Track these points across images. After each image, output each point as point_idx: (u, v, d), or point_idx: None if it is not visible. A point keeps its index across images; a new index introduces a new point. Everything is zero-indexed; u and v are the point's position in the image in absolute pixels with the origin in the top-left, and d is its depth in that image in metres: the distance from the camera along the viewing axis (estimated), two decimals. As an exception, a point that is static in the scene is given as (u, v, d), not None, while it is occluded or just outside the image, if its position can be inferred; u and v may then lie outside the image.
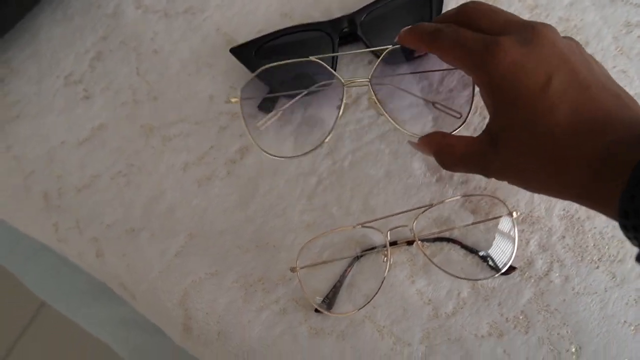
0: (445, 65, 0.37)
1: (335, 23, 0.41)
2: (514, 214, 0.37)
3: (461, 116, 0.39)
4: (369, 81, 0.37)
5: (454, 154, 0.33)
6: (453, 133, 0.39)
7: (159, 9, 0.48)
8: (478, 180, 0.39)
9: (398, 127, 0.37)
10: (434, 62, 0.40)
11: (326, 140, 0.38)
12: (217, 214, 0.41)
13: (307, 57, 0.38)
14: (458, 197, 0.38)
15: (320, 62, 0.38)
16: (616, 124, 0.27)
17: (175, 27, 0.47)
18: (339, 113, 0.38)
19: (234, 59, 0.43)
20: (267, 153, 0.38)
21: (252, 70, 0.40)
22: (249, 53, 0.42)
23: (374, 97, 0.37)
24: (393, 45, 0.38)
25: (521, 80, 0.29)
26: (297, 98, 0.41)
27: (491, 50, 0.30)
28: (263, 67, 0.38)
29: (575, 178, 0.27)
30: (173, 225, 0.42)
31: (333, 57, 0.41)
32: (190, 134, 0.43)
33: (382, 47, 0.38)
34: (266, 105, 0.42)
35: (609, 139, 0.26)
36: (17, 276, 0.49)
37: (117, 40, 0.47)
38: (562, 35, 0.31)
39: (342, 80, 0.37)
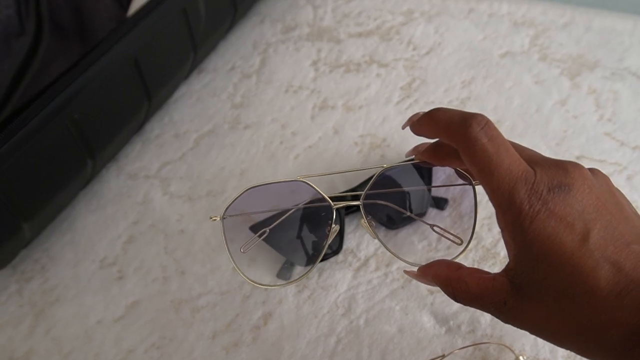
0: (445, 182, 0.38)
1: (340, 198, 0.47)
2: (521, 358, 0.40)
3: (462, 242, 0.38)
4: (361, 203, 0.36)
5: (469, 292, 0.30)
6: (456, 257, 0.37)
7: (183, 194, 0.54)
8: (484, 329, 0.42)
9: (393, 254, 0.36)
10: (432, 178, 0.40)
11: (315, 266, 0.36)
12: (245, 380, 0.44)
13: (296, 178, 0.37)
14: (467, 346, 0.41)
15: (309, 183, 0.37)
16: None
17: (198, 208, 0.53)
18: (327, 237, 0.36)
19: (251, 232, 0.48)
20: (252, 282, 0.37)
21: (270, 244, 0.46)
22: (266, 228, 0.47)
23: (365, 221, 0.36)
24: (386, 166, 0.37)
25: (559, 235, 0.26)
26: (283, 217, 0.39)
27: (527, 189, 0.27)
28: (250, 186, 0.37)
29: (613, 342, 0.25)
30: (204, 393, 0.44)
31: (340, 229, 0.46)
32: (217, 304, 0.48)
33: (375, 166, 0.37)
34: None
35: None
36: None
37: (146, 224, 0.53)
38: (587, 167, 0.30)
39: (331, 202, 0.36)
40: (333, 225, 0.36)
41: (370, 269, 0.46)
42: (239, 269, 0.38)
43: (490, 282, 0.29)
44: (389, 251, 0.37)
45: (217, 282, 0.49)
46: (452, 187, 0.41)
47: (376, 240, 0.48)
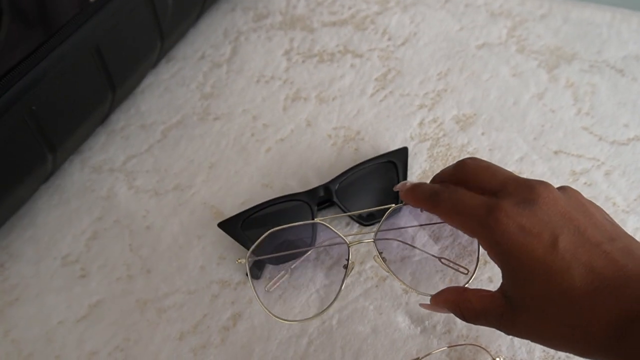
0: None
1: (312, 192, 0.46)
2: (498, 359, 0.39)
3: (468, 272, 0.42)
4: (374, 240, 0.40)
5: (473, 310, 0.33)
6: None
7: (150, 188, 0.52)
8: (460, 329, 0.41)
9: (407, 287, 0.40)
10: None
11: (335, 300, 0.40)
12: (213, 382, 0.43)
13: (313, 219, 0.42)
14: (443, 348, 0.40)
15: (326, 224, 0.41)
16: (633, 279, 0.27)
17: (165, 203, 0.51)
18: (345, 272, 0.40)
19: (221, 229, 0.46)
20: (278, 318, 0.40)
21: (240, 241, 0.44)
22: (236, 225, 0.45)
23: (378, 257, 0.40)
24: (396, 204, 0.41)
25: (529, 245, 0.29)
26: (303, 257, 0.43)
27: (494, 216, 0.30)
28: (271, 230, 0.41)
29: (598, 339, 0.27)
30: (170, 397, 0.43)
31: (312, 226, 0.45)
32: (184, 304, 0.46)
33: (383, 207, 0.41)
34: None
35: (630, 296, 0.26)
36: None
37: (111, 219, 0.51)
38: (557, 186, 0.32)
39: (347, 240, 0.40)
40: (350, 261, 0.40)
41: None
42: (267, 309, 0.41)
43: (489, 298, 0.32)
44: (403, 284, 0.41)
45: (184, 281, 0.47)
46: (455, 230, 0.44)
47: (350, 237, 0.46)
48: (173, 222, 0.50)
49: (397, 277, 0.40)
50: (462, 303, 0.33)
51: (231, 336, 0.44)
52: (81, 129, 0.51)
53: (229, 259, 0.47)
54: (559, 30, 0.59)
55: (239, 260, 0.42)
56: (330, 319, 0.43)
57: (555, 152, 0.49)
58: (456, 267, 0.42)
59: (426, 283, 0.43)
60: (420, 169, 0.49)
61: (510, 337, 0.40)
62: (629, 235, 0.30)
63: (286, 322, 0.40)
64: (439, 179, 0.37)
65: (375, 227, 0.40)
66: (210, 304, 0.45)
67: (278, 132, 0.54)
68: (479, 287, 0.34)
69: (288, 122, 0.54)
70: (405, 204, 0.39)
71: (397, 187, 0.39)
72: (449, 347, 0.40)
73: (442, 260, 0.43)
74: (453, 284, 0.42)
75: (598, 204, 0.44)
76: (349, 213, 0.45)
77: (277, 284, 0.42)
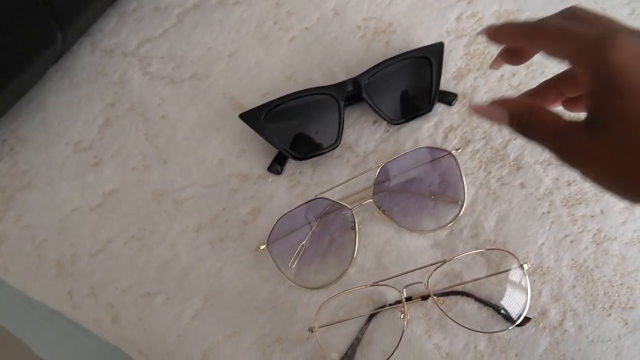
0: (429, 158, 0.42)
1: (340, 86, 0.43)
2: (525, 265, 0.38)
3: (458, 202, 0.42)
4: (372, 199, 0.41)
5: (542, 123, 0.31)
6: (455, 220, 0.41)
7: (165, 75, 0.49)
8: (487, 234, 0.40)
9: (408, 230, 0.41)
10: (418, 159, 0.43)
11: (354, 255, 0.41)
12: (232, 275, 0.42)
13: (315, 197, 0.42)
14: (469, 252, 0.39)
15: (327, 198, 0.42)
16: None
17: (182, 92, 0.48)
18: (355, 235, 0.41)
19: (241, 122, 0.44)
20: (304, 287, 0.41)
21: (263, 134, 0.42)
22: (258, 117, 0.43)
23: (379, 212, 0.41)
24: (384, 163, 0.42)
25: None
26: (310, 232, 0.43)
27: (609, 41, 0.28)
28: (281, 216, 0.42)
29: None
30: (188, 287, 0.42)
31: (339, 121, 0.43)
32: (202, 197, 0.44)
33: (372, 167, 0.43)
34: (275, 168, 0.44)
35: None
36: (30, 345, 0.49)
37: (124, 107, 0.48)
38: None
39: (349, 207, 0.41)
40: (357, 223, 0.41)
41: (369, 166, 0.43)
42: (297, 284, 0.42)
43: (563, 120, 0.30)
44: (407, 229, 0.42)
45: (202, 174, 0.45)
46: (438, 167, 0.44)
47: (377, 136, 0.44)
48: (190, 112, 0.47)
49: (400, 224, 0.41)
50: (530, 114, 0.31)
51: (250, 230, 0.43)
52: (91, 7, 0.47)
53: (249, 152, 0.45)
54: None
55: (259, 248, 0.42)
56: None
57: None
58: (447, 199, 0.42)
59: (423, 220, 0.42)
60: (456, 67, 0.46)
61: (539, 244, 0.39)
62: None
63: (309, 289, 0.41)
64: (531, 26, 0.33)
65: (370, 188, 0.42)
66: (229, 197, 0.44)
67: (303, 20, 0.50)
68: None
69: (314, 11, 0.50)
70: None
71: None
72: (476, 251, 0.39)
73: (433, 196, 0.43)
74: (447, 217, 0.42)
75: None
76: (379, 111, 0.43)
77: (297, 260, 0.42)
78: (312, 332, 0.39)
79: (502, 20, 0.47)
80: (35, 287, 0.45)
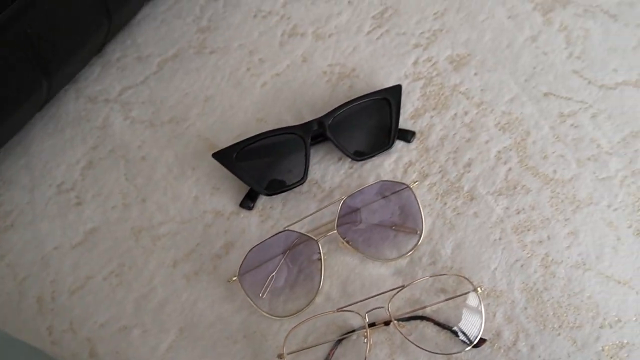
0: (389, 191, 0.45)
1: (306, 126, 0.46)
2: (479, 289, 0.40)
3: (417, 232, 0.44)
4: (336, 230, 0.44)
5: None
6: (414, 249, 0.44)
7: (145, 119, 0.52)
8: (444, 261, 0.43)
9: (371, 259, 0.44)
10: (379, 192, 0.46)
11: (321, 284, 0.43)
12: (205, 307, 0.44)
13: (284, 229, 0.44)
14: (427, 277, 0.42)
15: (294, 230, 0.44)
16: None
17: (161, 135, 0.51)
18: (321, 265, 0.43)
19: (215, 161, 0.47)
20: (274, 316, 0.43)
21: (234, 172, 0.45)
22: (230, 156, 0.46)
23: (343, 242, 0.44)
24: (346, 196, 0.45)
25: None
26: (280, 263, 0.45)
27: None
28: (251, 247, 0.44)
29: None
30: (164, 320, 0.44)
31: (306, 159, 0.46)
32: (178, 233, 0.47)
33: (336, 200, 0.45)
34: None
35: None
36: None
37: (106, 149, 0.51)
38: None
39: (315, 238, 0.44)
40: (323, 253, 0.44)
41: (334, 200, 0.46)
42: (267, 314, 0.44)
43: None
44: (370, 257, 0.45)
45: (178, 210, 0.48)
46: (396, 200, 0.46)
47: (342, 172, 0.47)
48: (168, 153, 0.50)
49: (363, 253, 0.44)
50: None
51: (223, 264, 0.45)
52: (77, 56, 0.51)
53: (222, 190, 0.48)
54: (558, -26, 0.58)
55: (232, 280, 0.44)
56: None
57: (545, 94, 0.49)
58: (407, 230, 0.45)
59: (384, 249, 0.44)
60: (413, 107, 0.49)
61: (492, 269, 0.42)
62: None
63: (276, 318, 0.43)
64: None
65: (334, 220, 0.44)
66: (203, 232, 0.47)
67: (274, 67, 0.54)
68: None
69: (284, 58, 0.54)
70: None
71: None
72: (432, 276, 0.42)
73: (394, 227, 0.45)
74: (407, 246, 0.44)
75: (583, 145, 0.46)
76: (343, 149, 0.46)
77: (268, 289, 0.44)
78: (281, 358, 0.41)
79: (454, 65, 0.51)
80: (15, 323, 0.46)
